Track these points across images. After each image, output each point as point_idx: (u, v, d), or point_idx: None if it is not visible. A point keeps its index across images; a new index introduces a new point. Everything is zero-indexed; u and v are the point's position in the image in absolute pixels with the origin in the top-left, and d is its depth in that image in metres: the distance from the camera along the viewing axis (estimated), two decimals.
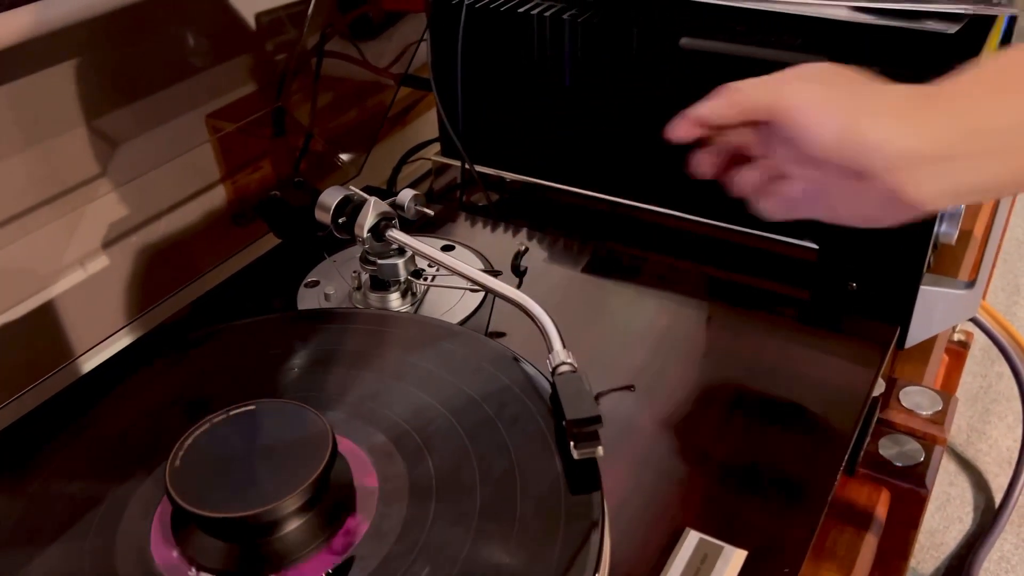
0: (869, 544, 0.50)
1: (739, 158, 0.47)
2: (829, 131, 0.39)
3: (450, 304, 0.56)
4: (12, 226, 0.53)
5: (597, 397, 0.40)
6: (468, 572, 0.34)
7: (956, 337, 1.03)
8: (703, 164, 0.49)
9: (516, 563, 0.35)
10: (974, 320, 0.78)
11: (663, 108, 0.60)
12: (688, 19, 0.57)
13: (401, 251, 0.54)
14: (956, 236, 0.59)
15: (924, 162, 0.38)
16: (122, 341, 0.61)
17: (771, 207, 0.47)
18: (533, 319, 0.46)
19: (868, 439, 0.54)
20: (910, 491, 0.52)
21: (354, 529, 0.36)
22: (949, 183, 0.39)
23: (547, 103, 0.65)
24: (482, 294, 0.56)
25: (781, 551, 0.40)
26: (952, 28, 0.50)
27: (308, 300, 0.57)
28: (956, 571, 1.04)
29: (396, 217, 0.54)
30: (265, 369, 0.46)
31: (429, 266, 0.57)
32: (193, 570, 0.35)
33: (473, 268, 0.50)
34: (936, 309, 0.57)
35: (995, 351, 0.85)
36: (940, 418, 0.55)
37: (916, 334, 0.58)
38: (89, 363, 0.59)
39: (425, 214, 0.56)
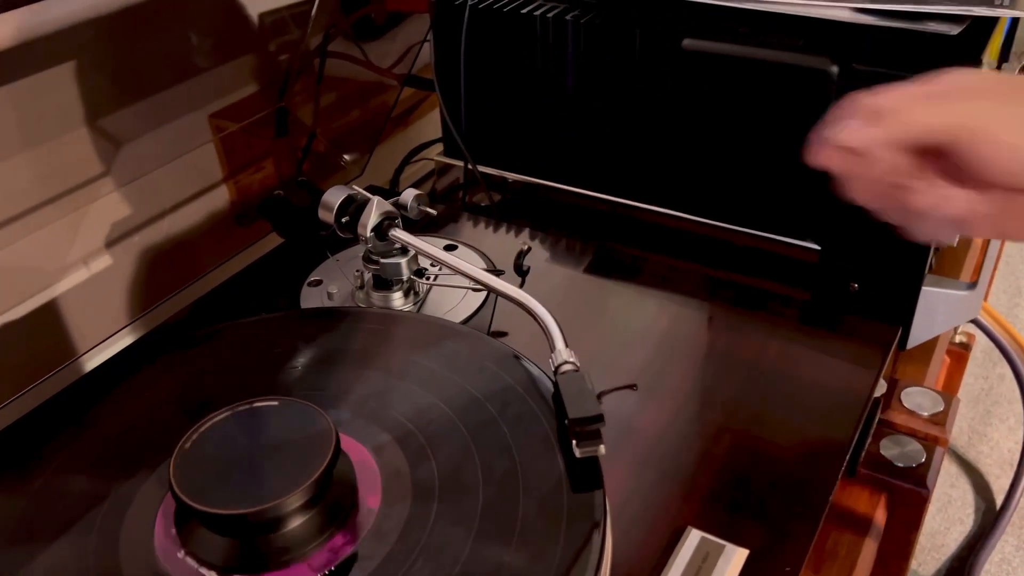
0: (870, 545, 0.50)
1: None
2: (1019, 156, 0.36)
3: (453, 303, 0.56)
4: (16, 224, 0.54)
5: (599, 396, 0.40)
6: (469, 570, 0.34)
7: (958, 339, 1.03)
8: (862, 192, 0.43)
9: (517, 561, 0.35)
10: (976, 322, 0.78)
11: (665, 109, 0.61)
12: (690, 20, 0.57)
13: (404, 250, 0.54)
14: (957, 237, 0.59)
15: None
16: (125, 340, 0.61)
17: (932, 230, 0.42)
18: (536, 318, 0.46)
19: (869, 440, 0.54)
20: (911, 492, 0.52)
21: (356, 527, 0.36)
22: None
23: (549, 104, 0.65)
24: (484, 294, 0.56)
25: (782, 550, 0.40)
26: (954, 29, 0.50)
27: (311, 299, 0.57)
28: (957, 573, 1.04)
29: (399, 216, 0.54)
30: (269, 367, 0.46)
31: (432, 265, 0.57)
32: (196, 566, 0.35)
33: (476, 267, 0.50)
34: (938, 310, 0.57)
35: (997, 353, 0.85)
36: (941, 419, 0.55)
37: (917, 335, 0.58)
38: (91, 362, 0.59)
39: (428, 213, 0.56)
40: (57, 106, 0.54)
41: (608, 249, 0.63)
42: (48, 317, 0.57)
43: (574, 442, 0.38)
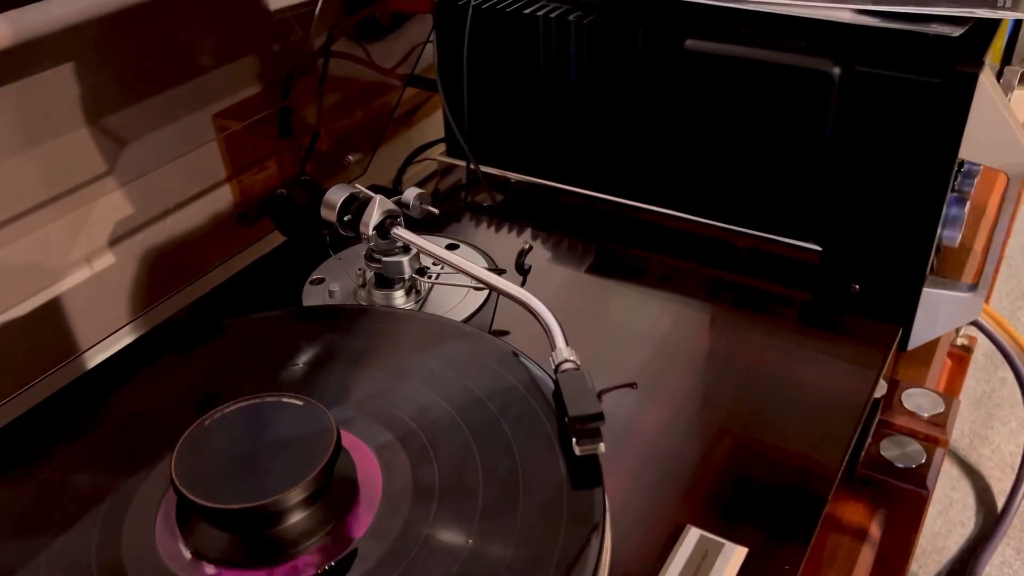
0: (869, 546, 0.50)
1: None
2: None
3: (454, 302, 0.56)
4: (20, 223, 0.54)
5: (600, 394, 0.40)
6: (469, 568, 0.35)
7: (959, 341, 1.03)
8: None
9: (517, 558, 0.35)
10: (978, 325, 0.79)
11: (668, 110, 0.61)
12: (693, 21, 0.57)
13: (406, 249, 0.54)
14: (959, 239, 0.59)
15: None
16: (126, 338, 0.61)
17: None
18: (537, 317, 0.46)
19: (869, 440, 0.54)
20: (911, 492, 0.52)
21: (356, 524, 0.36)
22: None
23: (552, 104, 0.65)
24: (485, 293, 0.56)
25: (781, 549, 0.40)
26: (956, 31, 0.50)
27: (313, 297, 0.57)
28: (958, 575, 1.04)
29: (401, 215, 0.54)
30: (270, 364, 0.46)
31: (434, 264, 0.57)
32: (197, 560, 0.35)
33: (477, 266, 0.51)
34: (939, 311, 0.57)
35: (998, 356, 0.85)
36: (942, 420, 0.55)
37: (919, 336, 0.59)
38: (93, 360, 0.59)
39: (430, 212, 0.56)
40: (61, 105, 0.55)
41: (609, 249, 0.63)
42: (51, 315, 0.57)
43: (574, 440, 0.38)
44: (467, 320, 0.54)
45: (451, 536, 0.36)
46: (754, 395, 0.49)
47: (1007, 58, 0.74)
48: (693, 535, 0.40)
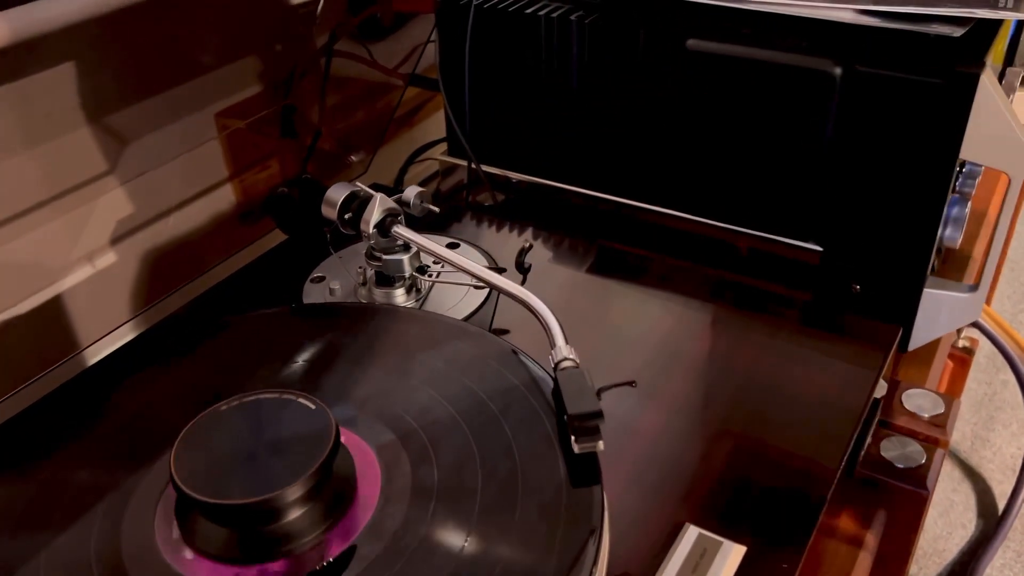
0: (869, 547, 0.50)
1: None
2: None
3: (454, 301, 0.56)
4: (22, 221, 0.54)
5: (599, 392, 0.40)
6: (468, 565, 0.35)
7: (961, 343, 1.03)
8: None
9: (515, 555, 0.35)
10: (980, 327, 0.79)
11: (669, 109, 0.61)
12: (694, 21, 0.57)
13: (406, 247, 0.54)
14: (960, 240, 0.59)
15: None
16: (126, 336, 0.61)
17: None
18: (536, 315, 0.46)
19: (869, 440, 0.54)
20: (911, 493, 0.52)
21: (355, 521, 0.36)
22: None
23: (553, 104, 0.65)
24: (486, 292, 0.56)
25: (780, 547, 0.40)
26: (957, 31, 0.50)
27: (314, 295, 0.57)
28: None
29: (402, 213, 0.54)
30: (271, 361, 0.46)
31: (434, 263, 0.57)
32: (195, 555, 0.35)
33: (477, 265, 0.51)
34: (939, 312, 0.57)
35: (1000, 358, 0.85)
36: (942, 420, 0.55)
37: (919, 337, 0.59)
38: (93, 357, 0.59)
39: (430, 211, 0.56)
40: (63, 103, 0.55)
41: (610, 249, 0.63)
42: (52, 313, 0.57)
43: (573, 438, 0.38)
44: (467, 319, 0.54)
45: (449, 534, 0.36)
46: (754, 394, 0.49)
47: (1009, 59, 0.74)
48: (692, 533, 0.40)
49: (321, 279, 0.58)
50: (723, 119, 0.59)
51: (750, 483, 0.44)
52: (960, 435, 1.23)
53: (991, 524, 1.10)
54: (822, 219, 0.58)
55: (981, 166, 0.66)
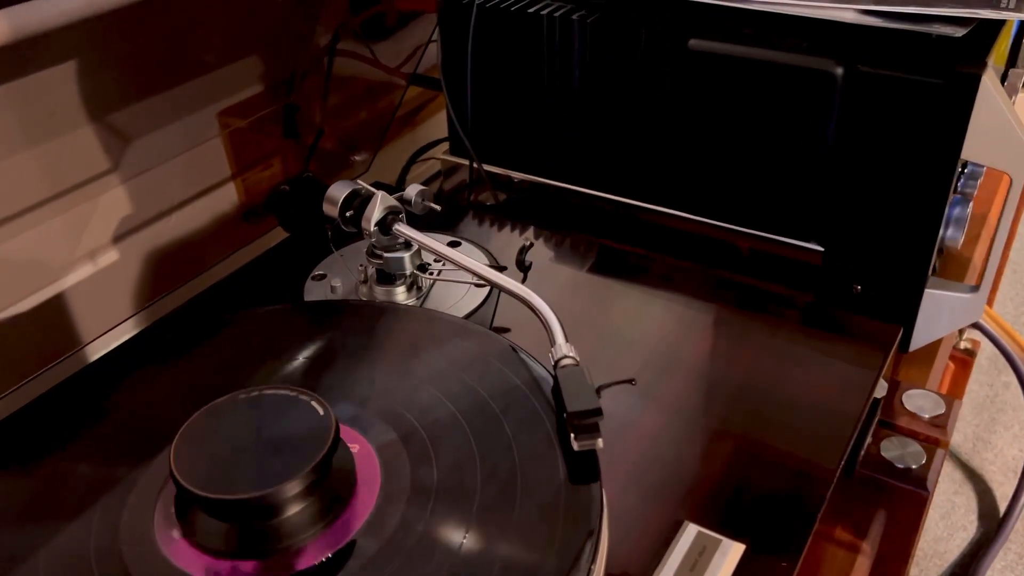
0: (868, 547, 0.50)
1: None
2: None
3: (455, 299, 0.56)
4: (24, 219, 0.54)
5: (598, 390, 0.40)
6: (466, 561, 0.35)
7: (963, 345, 1.03)
8: None
9: (513, 552, 0.35)
10: (982, 329, 0.79)
11: (671, 109, 0.61)
12: (696, 21, 0.57)
13: (407, 245, 0.54)
14: (962, 241, 0.59)
15: None
16: (126, 334, 0.61)
17: None
18: (536, 313, 0.46)
19: (869, 440, 0.54)
20: (911, 493, 0.52)
21: (354, 517, 0.36)
22: None
23: (555, 103, 0.65)
24: (487, 290, 0.56)
25: (779, 545, 0.40)
26: (959, 32, 0.50)
27: (315, 293, 0.57)
28: None
29: (403, 211, 0.54)
30: (272, 358, 0.46)
31: (435, 261, 0.57)
32: (194, 550, 0.35)
33: (477, 263, 0.51)
34: (940, 312, 0.57)
35: (1002, 361, 0.85)
36: (942, 421, 0.55)
37: (920, 337, 0.59)
38: (94, 354, 0.59)
39: (432, 209, 0.56)
40: (66, 102, 0.55)
41: (611, 249, 0.63)
42: (54, 311, 0.57)
43: (572, 436, 0.39)
44: (468, 317, 0.55)
45: (448, 532, 0.36)
46: (754, 393, 0.49)
47: (1012, 61, 0.74)
48: (691, 531, 0.40)
49: (322, 277, 0.58)
50: (724, 119, 0.59)
51: (749, 482, 0.44)
52: (962, 437, 1.23)
53: (992, 526, 1.10)
54: (823, 219, 0.58)
55: (983, 167, 0.66)
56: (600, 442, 0.38)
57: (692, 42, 0.57)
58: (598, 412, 0.39)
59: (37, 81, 0.52)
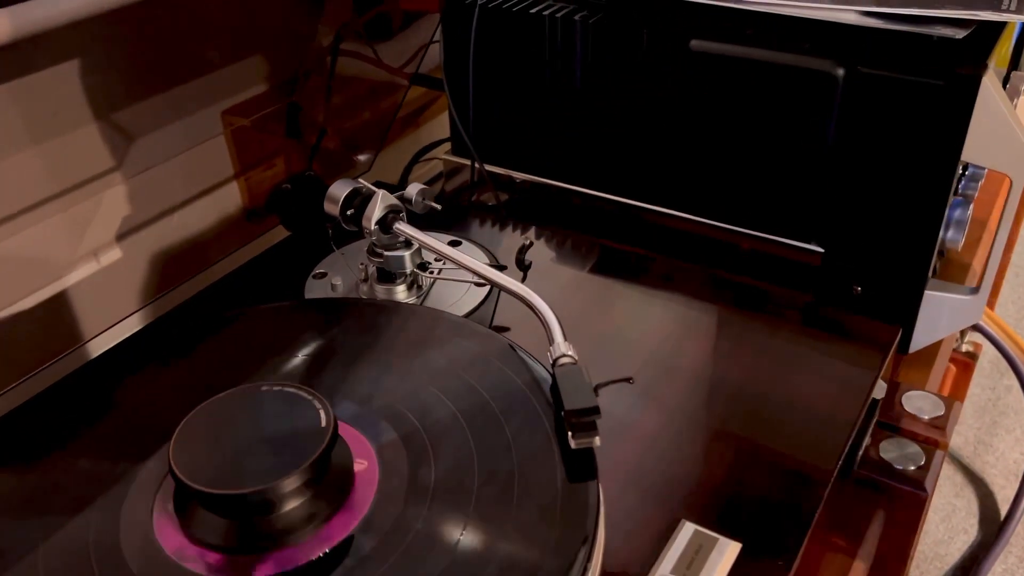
0: (867, 548, 0.50)
1: None
2: None
3: (455, 298, 0.56)
4: (28, 216, 0.54)
5: (596, 388, 0.41)
6: (463, 558, 0.35)
7: (964, 348, 1.03)
8: None
9: (510, 549, 0.35)
10: (984, 332, 0.79)
11: (672, 110, 0.61)
12: (697, 21, 0.57)
13: (408, 244, 0.54)
14: (962, 243, 0.59)
15: None
16: (126, 331, 0.62)
17: None
18: (535, 311, 0.46)
19: (868, 441, 0.54)
20: (910, 494, 0.52)
21: (352, 513, 0.37)
22: None
23: (557, 104, 0.65)
24: (486, 289, 0.57)
25: (776, 544, 0.40)
26: (959, 33, 0.50)
27: (316, 291, 0.57)
28: None
29: (403, 210, 0.54)
30: (272, 355, 0.46)
31: (436, 260, 0.57)
32: (194, 546, 0.35)
33: (477, 262, 0.51)
34: (940, 314, 0.57)
35: (1004, 364, 0.85)
36: (942, 422, 0.55)
37: (920, 339, 0.59)
38: (95, 351, 0.60)
39: (432, 208, 0.56)
40: (70, 100, 0.55)
41: (612, 249, 0.63)
42: (57, 309, 0.58)
43: (570, 433, 0.39)
44: (468, 316, 0.55)
45: (445, 527, 0.36)
46: (752, 393, 0.49)
47: (1015, 63, 0.74)
48: (688, 529, 0.40)
49: (323, 275, 0.59)
50: (725, 119, 0.59)
51: (747, 482, 0.44)
52: (963, 440, 1.23)
53: (993, 529, 1.09)
54: (823, 220, 0.58)
55: (984, 168, 0.66)
56: (597, 440, 0.38)
57: (693, 43, 0.57)
58: (596, 410, 0.39)
59: (41, 80, 0.53)
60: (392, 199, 0.54)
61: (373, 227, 0.53)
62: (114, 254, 0.61)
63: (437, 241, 0.53)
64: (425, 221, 0.57)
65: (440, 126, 0.88)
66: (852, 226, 0.57)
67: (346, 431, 0.40)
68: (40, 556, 0.36)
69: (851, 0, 0.54)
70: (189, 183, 0.65)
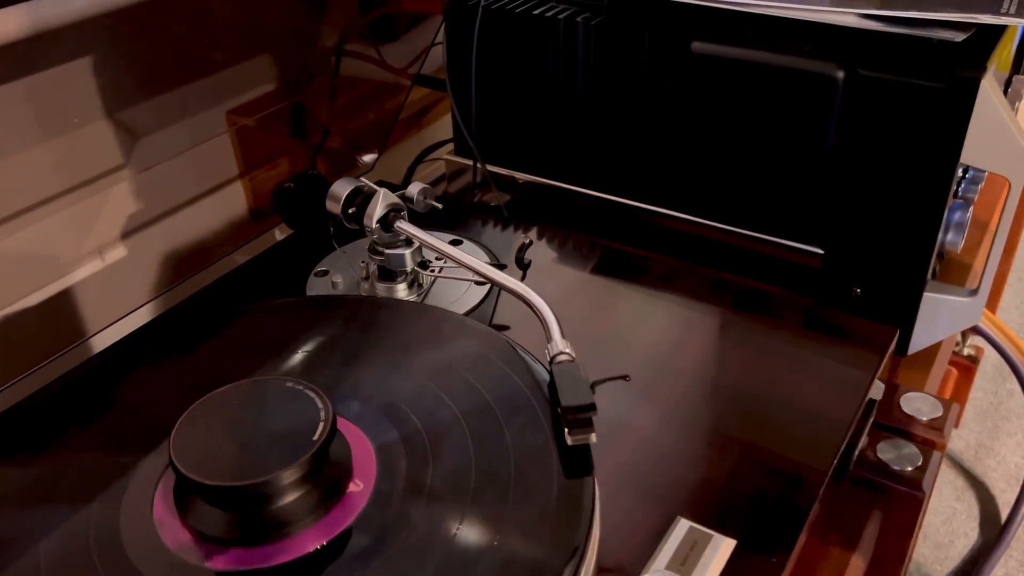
0: (864, 549, 0.51)
1: None
2: None
3: (455, 296, 0.56)
4: (33, 213, 0.55)
5: (593, 386, 0.41)
6: (459, 551, 0.35)
7: (966, 351, 1.03)
8: None
9: (506, 544, 0.35)
10: (985, 335, 0.79)
11: (673, 111, 0.61)
12: (699, 24, 0.58)
13: (409, 242, 0.54)
14: (962, 245, 0.60)
15: None
16: (132, 326, 0.62)
17: None
18: (533, 309, 0.46)
19: (865, 441, 0.54)
20: (907, 495, 0.52)
21: (349, 507, 0.37)
22: None
23: (560, 105, 0.66)
24: (487, 288, 0.57)
25: (770, 541, 0.40)
26: (959, 36, 0.51)
27: (317, 289, 0.58)
28: None
29: (405, 209, 0.55)
30: (274, 351, 0.46)
31: (436, 258, 0.58)
32: (193, 538, 0.35)
33: (477, 260, 0.51)
34: (939, 315, 0.57)
35: (1006, 368, 0.84)
36: (940, 424, 0.55)
37: (919, 341, 0.59)
38: (99, 346, 0.60)
39: (434, 207, 0.57)
40: (77, 98, 0.55)
41: (613, 249, 0.63)
42: (62, 306, 0.58)
43: (566, 430, 0.39)
44: (468, 314, 0.55)
45: (442, 521, 0.36)
46: (750, 393, 0.50)
47: (1016, 67, 0.74)
48: (683, 526, 0.40)
49: (324, 273, 0.59)
50: (726, 121, 0.59)
51: (742, 480, 0.44)
52: (964, 444, 1.23)
53: (994, 533, 1.09)
54: (823, 222, 0.58)
55: (984, 171, 0.66)
56: (594, 437, 0.39)
57: (695, 45, 0.58)
58: (592, 407, 0.39)
59: (50, 77, 0.53)
60: (393, 198, 0.54)
61: (374, 225, 0.53)
62: (119, 251, 0.61)
63: (438, 240, 0.53)
64: (427, 221, 0.58)
65: (444, 127, 0.88)
66: (852, 228, 0.57)
67: (344, 425, 0.40)
68: (41, 548, 0.36)
69: (851, 3, 0.54)
70: (194, 181, 0.66)
